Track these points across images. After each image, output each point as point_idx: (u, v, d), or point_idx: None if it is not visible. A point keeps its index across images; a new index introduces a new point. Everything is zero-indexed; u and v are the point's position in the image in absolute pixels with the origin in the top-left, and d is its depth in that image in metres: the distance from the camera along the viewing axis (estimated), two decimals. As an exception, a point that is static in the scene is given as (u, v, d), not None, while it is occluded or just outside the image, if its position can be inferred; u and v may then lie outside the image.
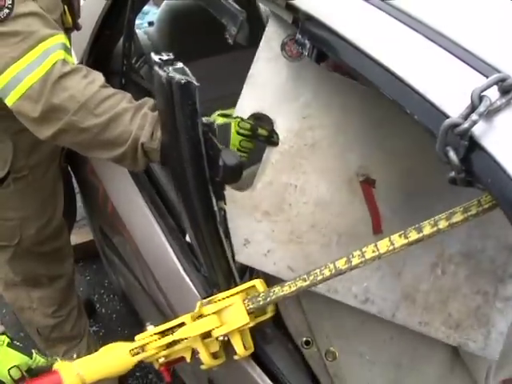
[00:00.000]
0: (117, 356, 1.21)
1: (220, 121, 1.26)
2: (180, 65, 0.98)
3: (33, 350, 1.29)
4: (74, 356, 1.27)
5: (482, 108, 0.73)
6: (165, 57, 0.98)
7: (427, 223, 0.95)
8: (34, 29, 1.31)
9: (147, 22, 2.81)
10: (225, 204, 1.17)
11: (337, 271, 1.03)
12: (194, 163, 1.06)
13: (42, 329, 2.15)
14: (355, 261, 1.01)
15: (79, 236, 2.83)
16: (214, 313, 1.16)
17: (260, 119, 1.26)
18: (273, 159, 1.26)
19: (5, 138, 1.66)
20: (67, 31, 1.72)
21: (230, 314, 1.16)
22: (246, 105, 1.26)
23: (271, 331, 1.32)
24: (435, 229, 0.94)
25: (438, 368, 1.40)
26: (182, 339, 1.17)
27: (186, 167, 1.06)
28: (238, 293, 1.19)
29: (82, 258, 2.85)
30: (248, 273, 1.37)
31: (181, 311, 1.23)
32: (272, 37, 1.22)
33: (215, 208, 1.14)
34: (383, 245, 0.98)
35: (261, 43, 1.23)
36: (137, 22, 2.67)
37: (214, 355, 1.22)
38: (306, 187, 1.26)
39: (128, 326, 2.68)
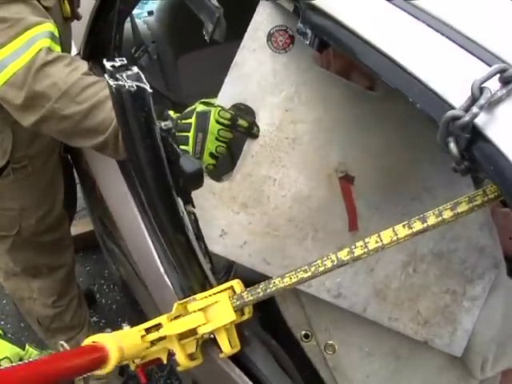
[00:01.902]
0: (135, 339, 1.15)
1: (200, 108, 1.25)
2: (135, 70, 0.94)
3: (26, 344, 1.28)
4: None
5: (482, 100, 0.73)
6: (118, 63, 0.93)
7: (431, 213, 0.94)
8: (21, 16, 1.31)
9: (147, 11, 2.79)
10: (193, 207, 1.15)
11: (339, 262, 1.01)
12: (153, 171, 1.03)
13: (42, 319, 2.15)
14: (358, 251, 0.99)
15: (79, 226, 2.83)
16: (199, 309, 1.14)
17: (242, 110, 1.24)
18: (253, 151, 1.25)
19: (4, 127, 1.66)
20: (66, 21, 1.72)
21: (215, 311, 1.15)
22: (229, 94, 1.25)
23: (249, 333, 1.31)
24: (440, 219, 0.93)
25: (437, 359, 1.40)
26: (162, 338, 1.14)
27: (147, 176, 1.03)
28: (211, 295, 1.16)
29: (82, 248, 2.85)
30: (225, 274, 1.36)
31: (163, 310, 1.22)
32: (259, 26, 1.21)
33: (182, 213, 1.11)
34: (386, 235, 0.97)
35: (247, 32, 1.22)
36: (136, 11, 2.67)
37: (191, 356, 1.19)
38: (284, 181, 1.26)
39: (128, 316, 2.68)
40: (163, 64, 2.41)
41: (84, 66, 1.33)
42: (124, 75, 0.92)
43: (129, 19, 2.19)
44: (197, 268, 1.19)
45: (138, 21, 2.51)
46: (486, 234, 1.30)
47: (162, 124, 1.03)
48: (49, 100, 1.27)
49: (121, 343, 1.06)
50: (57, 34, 1.38)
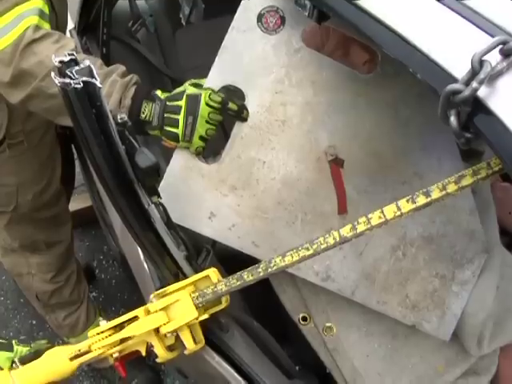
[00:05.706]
0: (56, 363, 1.18)
1: (190, 91, 1.24)
2: (86, 63, 0.88)
3: (13, 341, 1.27)
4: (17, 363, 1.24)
5: (482, 75, 0.72)
6: (67, 58, 0.88)
7: (435, 187, 0.93)
8: None
9: (145, -16, 2.74)
10: (159, 198, 1.13)
11: (342, 239, 1.00)
12: (110, 167, 1.00)
13: (40, 294, 2.15)
14: (361, 227, 0.98)
15: (78, 202, 2.82)
16: (161, 309, 1.13)
17: (232, 92, 1.23)
18: (242, 133, 1.25)
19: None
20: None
21: (177, 309, 1.14)
22: (218, 76, 1.24)
23: (226, 320, 1.31)
24: (444, 193, 0.92)
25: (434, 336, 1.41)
26: (132, 336, 1.14)
27: (104, 172, 1.00)
28: (186, 286, 1.16)
29: (81, 223, 2.84)
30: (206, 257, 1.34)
31: (146, 297, 1.21)
32: (249, 7, 1.20)
33: (148, 205, 1.09)
34: (390, 210, 0.96)
35: (237, 12, 1.20)
36: (134, -16, 2.61)
37: (170, 348, 1.19)
38: (274, 163, 1.26)
39: (127, 292, 2.69)
40: (161, 38, 2.38)
41: (71, 43, 1.31)
42: (73, 70, 0.88)
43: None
44: (167, 259, 1.18)
45: (135, -6, 2.47)
46: (475, 219, 1.30)
47: (118, 117, 1.01)
48: (35, 78, 1.26)
49: (18, 379, 1.12)
50: (46, 10, 1.37)
